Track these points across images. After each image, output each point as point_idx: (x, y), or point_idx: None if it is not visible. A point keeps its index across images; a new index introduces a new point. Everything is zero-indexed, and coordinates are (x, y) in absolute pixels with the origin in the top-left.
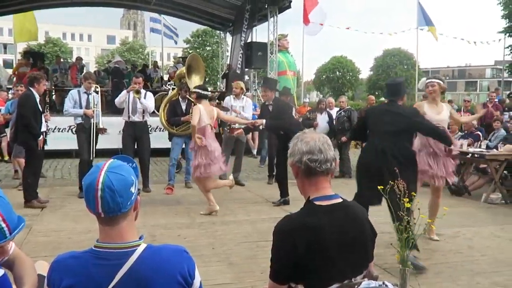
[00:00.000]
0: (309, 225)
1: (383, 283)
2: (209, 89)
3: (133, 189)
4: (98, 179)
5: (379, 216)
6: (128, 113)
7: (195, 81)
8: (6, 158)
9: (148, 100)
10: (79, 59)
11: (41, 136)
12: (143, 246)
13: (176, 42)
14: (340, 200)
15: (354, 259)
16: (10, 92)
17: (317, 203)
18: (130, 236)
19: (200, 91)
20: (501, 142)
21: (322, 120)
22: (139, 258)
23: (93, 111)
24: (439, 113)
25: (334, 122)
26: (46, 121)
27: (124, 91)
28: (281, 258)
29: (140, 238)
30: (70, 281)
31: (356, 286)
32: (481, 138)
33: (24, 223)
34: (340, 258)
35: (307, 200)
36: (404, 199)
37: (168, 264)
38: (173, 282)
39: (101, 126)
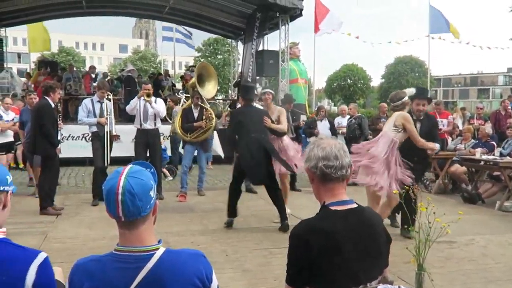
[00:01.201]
0: (323, 229)
1: (399, 287)
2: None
3: (152, 193)
4: (119, 184)
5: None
6: (140, 121)
7: (208, 89)
8: (21, 165)
9: (159, 104)
10: (92, 68)
11: (59, 144)
12: (161, 250)
13: (193, 47)
14: (355, 205)
15: (369, 265)
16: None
17: (332, 208)
18: (149, 240)
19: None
20: None
21: (323, 127)
22: (158, 261)
23: (106, 118)
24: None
25: (345, 129)
26: (59, 130)
27: (135, 98)
28: (296, 262)
29: (159, 242)
30: (91, 284)
31: None
32: (495, 148)
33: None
34: (354, 263)
35: (322, 205)
36: (420, 203)
37: (186, 267)
38: (191, 285)
39: (114, 133)
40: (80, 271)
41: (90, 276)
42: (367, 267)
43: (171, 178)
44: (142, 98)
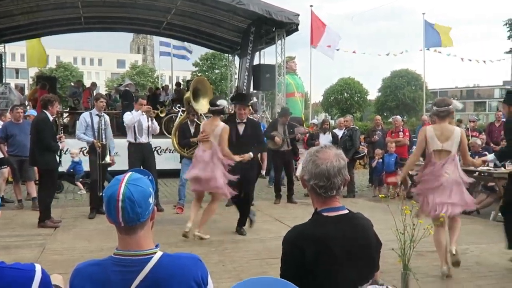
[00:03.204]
0: (316, 235)
1: (387, 287)
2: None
3: (150, 200)
4: (119, 191)
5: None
6: (135, 135)
7: (203, 103)
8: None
9: (154, 122)
10: (93, 84)
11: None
12: (159, 253)
13: (188, 59)
14: (346, 211)
15: (360, 268)
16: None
17: (324, 214)
18: (147, 244)
19: (210, 107)
20: (509, 161)
21: (325, 140)
22: (156, 265)
23: (100, 144)
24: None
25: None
26: (59, 142)
27: (139, 112)
28: (289, 267)
29: (156, 246)
30: (91, 287)
31: None
32: None
33: None
34: (346, 267)
35: (314, 211)
36: (405, 207)
37: (183, 271)
38: (187, 287)
39: (108, 161)
40: (80, 274)
41: (90, 279)
42: (358, 271)
43: (85, 192)
44: (144, 113)
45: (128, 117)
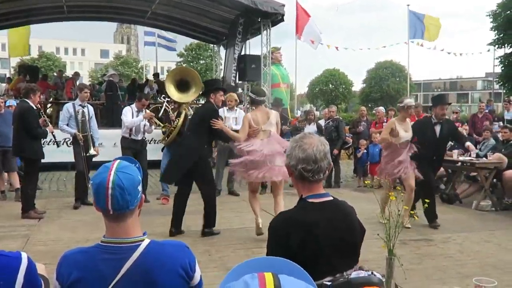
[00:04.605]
0: (302, 221)
1: (372, 272)
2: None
3: (139, 188)
4: (109, 178)
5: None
6: (130, 131)
7: (189, 94)
8: None
9: (152, 126)
10: (76, 74)
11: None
12: (147, 241)
13: (175, 49)
14: (331, 198)
15: (345, 254)
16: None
17: (310, 200)
18: (135, 232)
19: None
20: (490, 151)
21: (310, 130)
22: (143, 252)
23: (82, 137)
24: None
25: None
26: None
27: (140, 117)
28: (275, 253)
29: (144, 234)
30: (79, 275)
31: (346, 276)
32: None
33: None
34: (331, 253)
35: (300, 198)
36: (390, 193)
37: (170, 258)
38: (175, 274)
39: (93, 153)
40: (67, 261)
41: (78, 266)
42: (343, 257)
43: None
44: (146, 119)
45: (129, 119)
